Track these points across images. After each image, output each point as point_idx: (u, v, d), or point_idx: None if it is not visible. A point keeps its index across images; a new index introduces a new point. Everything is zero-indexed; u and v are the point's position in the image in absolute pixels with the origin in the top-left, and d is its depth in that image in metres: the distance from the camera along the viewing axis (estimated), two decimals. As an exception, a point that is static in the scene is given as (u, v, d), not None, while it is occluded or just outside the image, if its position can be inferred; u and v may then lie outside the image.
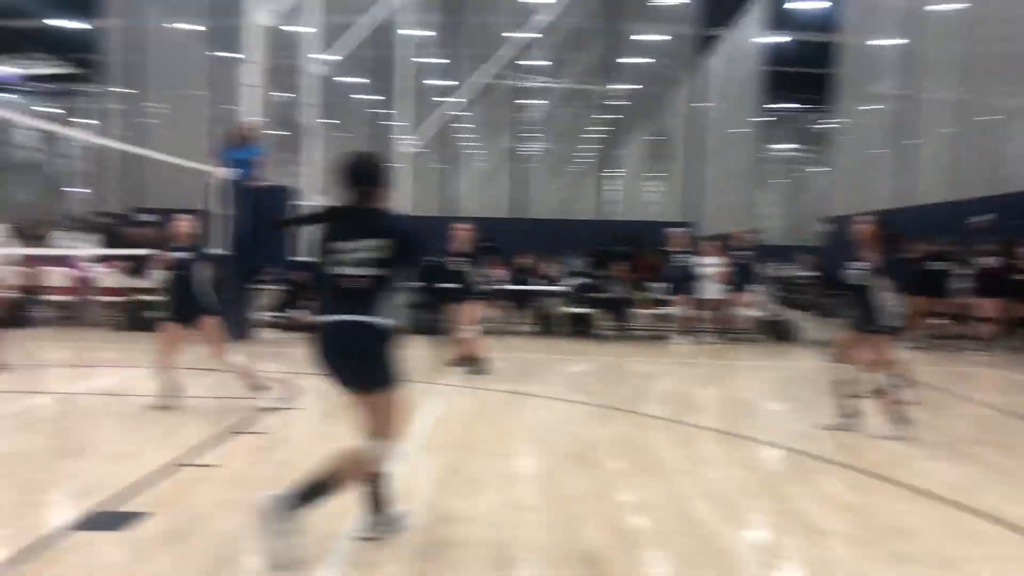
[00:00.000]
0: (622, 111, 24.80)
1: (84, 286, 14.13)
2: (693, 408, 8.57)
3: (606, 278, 14.60)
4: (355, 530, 4.27)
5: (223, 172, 12.20)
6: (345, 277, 3.71)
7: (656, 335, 14.31)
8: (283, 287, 14.85)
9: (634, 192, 26.45)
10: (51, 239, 14.92)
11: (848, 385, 7.14)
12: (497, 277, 14.33)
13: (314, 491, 3.78)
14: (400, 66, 21.10)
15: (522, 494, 5.21)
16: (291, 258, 13.55)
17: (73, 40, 31.39)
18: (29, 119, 38.89)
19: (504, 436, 6.97)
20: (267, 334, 13.39)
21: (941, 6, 18.84)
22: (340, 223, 3.80)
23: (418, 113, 22.76)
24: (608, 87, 23.34)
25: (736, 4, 25.25)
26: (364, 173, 3.84)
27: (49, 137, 38.59)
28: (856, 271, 6.79)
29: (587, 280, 14.60)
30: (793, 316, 15.20)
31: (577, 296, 14.29)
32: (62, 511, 4.75)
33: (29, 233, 16.34)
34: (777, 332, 14.16)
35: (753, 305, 14.25)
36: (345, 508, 4.23)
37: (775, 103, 28.45)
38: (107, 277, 13.90)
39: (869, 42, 20.76)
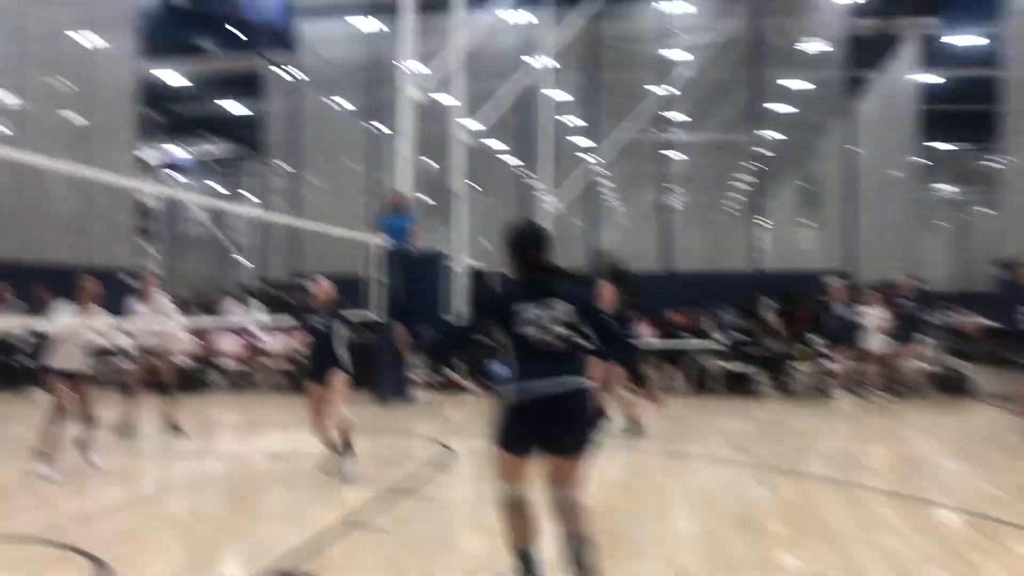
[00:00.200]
0: (769, 159, 24.27)
1: (253, 352, 14.90)
2: (861, 468, 8.12)
3: (761, 332, 14.16)
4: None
5: (379, 239, 12.68)
6: (541, 341, 3.71)
7: (817, 391, 13.71)
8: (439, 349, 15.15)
9: (785, 241, 25.69)
10: (222, 308, 15.85)
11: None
12: (646, 334, 14.15)
13: (583, 554, 3.83)
14: (543, 127, 21.49)
15: (683, 560, 5.05)
16: (446, 320, 13.85)
17: (238, 121, 33.74)
18: (199, 197, 41.81)
19: (663, 498, 6.80)
20: (423, 395, 13.67)
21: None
22: (524, 288, 3.82)
23: (561, 172, 23.04)
24: (754, 135, 22.93)
25: (885, 45, 24.43)
26: (536, 240, 3.90)
27: (217, 213, 41.31)
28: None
29: (741, 335, 14.19)
30: (965, 368, 14.23)
31: (732, 352, 13.89)
32: (234, 572, 4.94)
33: (201, 302, 17.43)
34: (948, 385, 13.31)
35: (921, 357, 13.46)
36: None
37: (934, 143, 27.14)
38: (274, 343, 14.62)
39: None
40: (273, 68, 26.09)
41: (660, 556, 5.12)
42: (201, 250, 42.69)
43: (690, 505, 6.53)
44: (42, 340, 8.89)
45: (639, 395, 9.36)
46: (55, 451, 7.38)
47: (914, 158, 23.62)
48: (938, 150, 28.29)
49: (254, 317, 14.54)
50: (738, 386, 13.80)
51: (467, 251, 16.41)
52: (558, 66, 21.82)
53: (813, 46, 23.48)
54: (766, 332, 14.07)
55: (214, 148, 37.71)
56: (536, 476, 3.92)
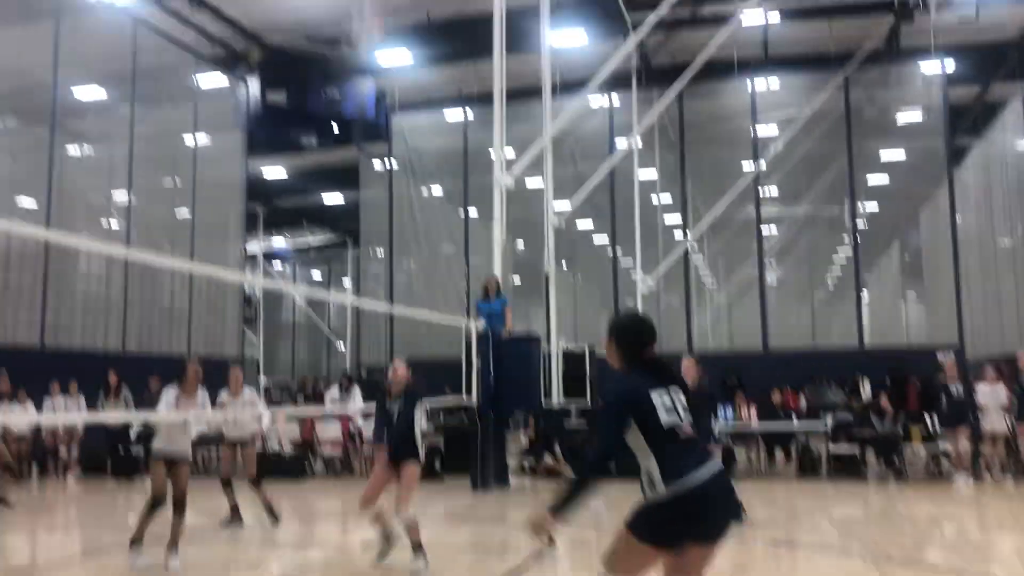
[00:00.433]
0: (868, 232, 23.72)
1: (353, 439, 15.07)
2: (987, 558, 7.63)
3: (869, 412, 13.63)
4: None
5: (474, 324, 12.81)
6: (680, 429, 3.62)
7: (934, 474, 13.04)
8: (535, 434, 15.10)
9: (889, 316, 24.88)
10: (324, 394, 16.15)
11: None
12: (747, 415, 13.79)
13: None
14: (633, 206, 21.55)
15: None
16: (545, 405, 13.80)
17: (335, 211, 34.94)
18: (299, 287, 43.15)
19: (778, 592, 6.50)
20: (518, 481, 13.54)
21: None
22: (648, 377, 3.75)
23: (653, 250, 22.97)
24: (850, 208, 22.48)
25: (985, 112, 23.84)
26: (652, 334, 3.85)
27: (316, 301, 42.48)
28: None
29: (848, 415, 13.68)
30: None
31: (839, 433, 13.37)
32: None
33: (304, 390, 17.80)
34: (1079, 466, 12.49)
35: (1045, 436, 12.70)
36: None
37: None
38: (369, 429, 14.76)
39: None
40: (368, 159, 27.02)
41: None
42: (301, 337, 43.91)
43: (808, 600, 6.23)
44: (148, 429, 9.14)
45: None
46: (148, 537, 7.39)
47: (1021, 226, 22.75)
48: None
49: (355, 404, 14.76)
50: (846, 469, 13.24)
51: (562, 333, 16.39)
52: (641, 146, 21.95)
53: (909, 116, 23.11)
54: (874, 412, 13.52)
55: (313, 237, 39.03)
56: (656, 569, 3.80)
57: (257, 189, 27.84)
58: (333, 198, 33.65)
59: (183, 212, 20.70)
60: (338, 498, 12.74)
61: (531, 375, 13.06)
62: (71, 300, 16.36)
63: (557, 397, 14.06)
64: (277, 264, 43.19)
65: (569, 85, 21.17)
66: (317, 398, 19.76)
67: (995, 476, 12.27)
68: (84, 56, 18.06)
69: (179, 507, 7.61)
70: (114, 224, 19.70)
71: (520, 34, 16.38)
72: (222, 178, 22.28)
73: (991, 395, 12.45)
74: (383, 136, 24.86)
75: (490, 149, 14.20)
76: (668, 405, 3.63)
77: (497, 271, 13.59)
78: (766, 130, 23.12)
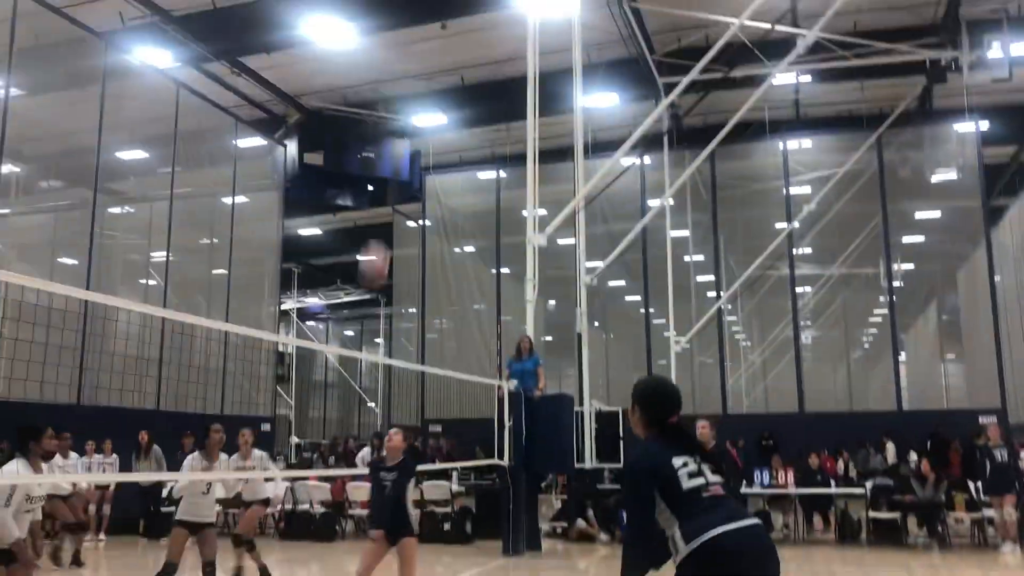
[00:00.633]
0: (904, 292, 23.46)
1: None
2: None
3: (909, 476, 13.30)
4: None
5: (506, 383, 12.75)
6: (704, 487, 3.54)
7: (978, 543, 12.65)
8: (568, 496, 14.90)
9: (926, 378, 24.46)
10: (354, 454, 16.09)
11: None
12: (784, 478, 13.52)
13: None
14: (665, 266, 21.54)
15: None
16: (577, 466, 13.64)
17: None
18: (332, 346, 43.33)
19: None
20: (550, 545, 13.33)
21: None
22: (671, 442, 3.69)
23: (687, 309, 22.85)
24: (886, 268, 22.27)
25: (1019, 171, 23.70)
26: (674, 398, 3.79)
27: (348, 358, 42.60)
28: None
29: (888, 480, 13.35)
30: None
31: (879, 498, 13.04)
32: None
33: (334, 450, 17.75)
34: None
35: (1095, 504, 12.30)
36: None
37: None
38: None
39: None
40: (402, 218, 27.34)
41: None
42: (333, 395, 44.01)
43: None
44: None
45: None
46: None
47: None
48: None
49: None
50: (887, 535, 12.89)
51: (594, 393, 16.28)
52: (673, 204, 21.98)
53: (944, 176, 22.98)
54: (915, 476, 13.19)
55: (346, 296, 39.34)
56: None
57: (292, 248, 28.24)
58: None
59: (220, 271, 21.00)
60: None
61: (563, 436, 12.92)
62: (109, 359, 16.55)
63: (590, 459, 13.90)
64: (311, 322, 43.52)
65: (601, 145, 21.39)
66: (348, 457, 19.68)
67: (1044, 545, 11.88)
68: (127, 119, 18.57)
69: (208, 573, 7.50)
70: (152, 282, 20.02)
71: (553, 96, 16.63)
72: (259, 237, 22.63)
73: (1036, 460, 12.11)
74: (417, 196, 25.18)
75: (523, 211, 14.30)
76: (692, 470, 3.55)
77: (529, 330, 13.57)
78: (799, 190, 23.10)
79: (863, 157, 21.76)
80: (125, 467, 13.87)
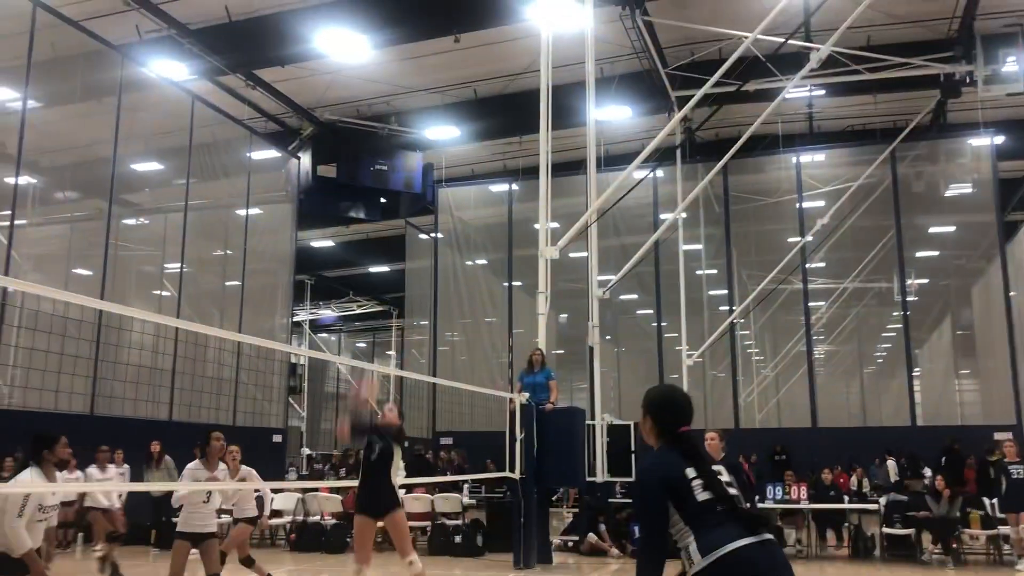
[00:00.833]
0: (918, 307, 23.32)
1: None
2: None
3: (923, 492, 13.18)
4: None
5: (518, 396, 12.73)
6: (716, 502, 3.50)
7: (994, 560, 12.52)
8: (580, 510, 14.84)
9: (940, 393, 24.27)
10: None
11: None
12: (797, 493, 13.42)
13: None
14: (677, 279, 21.49)
15: None
16: (589, 480, 13.58)
17: (381, 282, 35.35)
18: (344, 357, 43.37)
19: None
20: (561, 558, 13.27)
21: None
22: (682, 453, 3.64)
23: (699, 323, 22.78)
24: (900, 283, 22.16)
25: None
26: (686, 408, 3.74)
27: (360, 369, 42.59)
28: None
29: (901, 496, 13.24)
30: None
31: (893, 514, 12.93)
32: None
33: (346, 462, 17.72)
34: None
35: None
36: None
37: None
38: (414, 502, 14.62)
39: None
40: (413, 230, 27.41)
41: None
42: (345, 407, 44.03)
43: None
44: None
45: None
46: None
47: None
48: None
49: (397, 476, 14.66)
50: (900, 551, 12.77)
51: (606, 407, 16.24)
52: (684, 216, 21.92)
53: (958, 190, 22.89)
54: (929, 493, 13.08)
55: (358, 308, 39.41)
56: None
57: (306, 260, 28.35)
58: (379, 269, 34.10)
59: (233, 282, 21.08)
60: (377, 573, 12.57)
61: (575, 449, 12.88)
62: (123, 369, 16.62)
63: (601, 472, 13.84)
64: (323, 334, 43.61)
65: (614, 158, 21.43)
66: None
67: (1060, 563, 11.74)
68: (143, 131, 18.72)
69: None
70: (166, 294, 20.11)
71: (565, 109, 16.66)
72: (272, 249, 22.73)
73: (1053, 477, 11.97)
74: (429, 208, 25.25)
75: (536, 224, 14.31)
76: (704, 482, 3.51)
77: (541, 343, 13.55)
78: (812, 204, 23.04)
79: (877, 171, 21.69)
80: (136, 477, 13.89)
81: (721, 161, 18.34)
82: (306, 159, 22.54)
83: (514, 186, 25.04)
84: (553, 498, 14.74)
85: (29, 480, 5.43)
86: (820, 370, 24.29)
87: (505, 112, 20.80)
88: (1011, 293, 20.64)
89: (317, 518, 14.78)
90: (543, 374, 13.08)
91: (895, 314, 23.30)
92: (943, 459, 16.37)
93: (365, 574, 6.98)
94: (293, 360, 29.02)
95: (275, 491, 15.50)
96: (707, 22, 17.18)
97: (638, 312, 26.21)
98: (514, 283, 25.03)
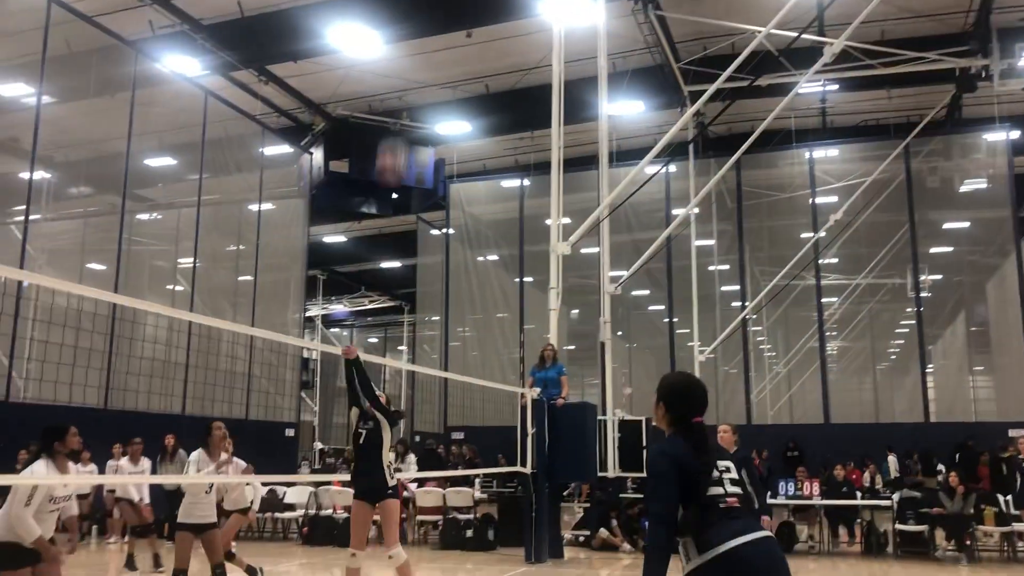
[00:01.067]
0: (932, 303, 23.19)
1: (404, 506, 14.95)
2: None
3: (937, 489, 13.12)
4: None
5: (529, 391, 12.73)
6: (723, 497, 3.47)
7: (1008, 557, 12.45)
8: (591, 504, 14.83)
9: (954, 389, 24.13)
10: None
11: None
12: (809, 489, 13.37)
13: None
14: (692, 275, 21.44)
15: None
16: (600, 475, 13.57)
17: (393, 277, 35.41)
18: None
19: None
20: (572, 553, 13.27)
21: None
22: (695, 446, 3.61)
23: (711, 319, 22.74)
24: (913, 278, 22.05)
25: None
26: (700, 398, 3.69)
27: (371, 364, 42.68)
28: None
29: (914, 492, 13.18)
30: None
31: (906, 510, 12.86)
32: None
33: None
34: None
35: None
36: None
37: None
38: (425, 496, 14.66)
39: None
40: (425, 225, 27.45)
41: None
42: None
43: None
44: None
45: None
46: None
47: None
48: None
49: (409, 470, 14.70)
50: (913, 548, 12.72)
51: (617, 402, 16.22)
52: (697, 212, 21.85)
53: (973, 185, 22.75)
54: (943, 489, 13.01)
55: (370, 303, 39.48)
56: None
57: (318, 255, 28.41)
58: (391, 264, 34.15)
59: (246, 277, 21.16)
60: (389, 568, 12.61)
61: (586, 445, 12.88)
62: (136, 362, 16.71)
63: (613, 468, 13.83)
64: (335, 328, 43.71)
65: (626, 153, 21.38)
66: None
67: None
68: (156, 126, 18.81)
69: (216, 575, 7.38)
70: (179, 288, 20.21)
71: (577, 104, 16.64)
72: (284, 244, 22.80)
73: (1068, 474, 11.91)
74: (441, 204, 25.26)
75: (547, 220, 14.29)
76: (714, 476, 3.48)
77: (553, 338, 13.55)
78: (825, 199, 22.95)
79: (890, 166, 21.56)
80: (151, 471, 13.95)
81: (734, 156, 18.28)
82: (318, 154, 22.58)
83: (526, 181, 25.02)
84: (564, 493, 14.74)
85: (38, 471, 5.46)
86: (833, 366, 24.20)
87: (517, 107, 20.79)
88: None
89: (329, 512, 14.83)
90: (555, 369, 13.07)
91: (909, 310, 23.20)
92: (957, 455, 16.29)
93: (359, 559, 6.98)
94: (305, 355, 29.10)
95: (287, 485, 15.61)
96: (720, 16, 17.11)
97: (650, 308, 26.17)
98: (526, 279, 25.03)
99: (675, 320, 23.82)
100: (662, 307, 24.60)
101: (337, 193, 23.21)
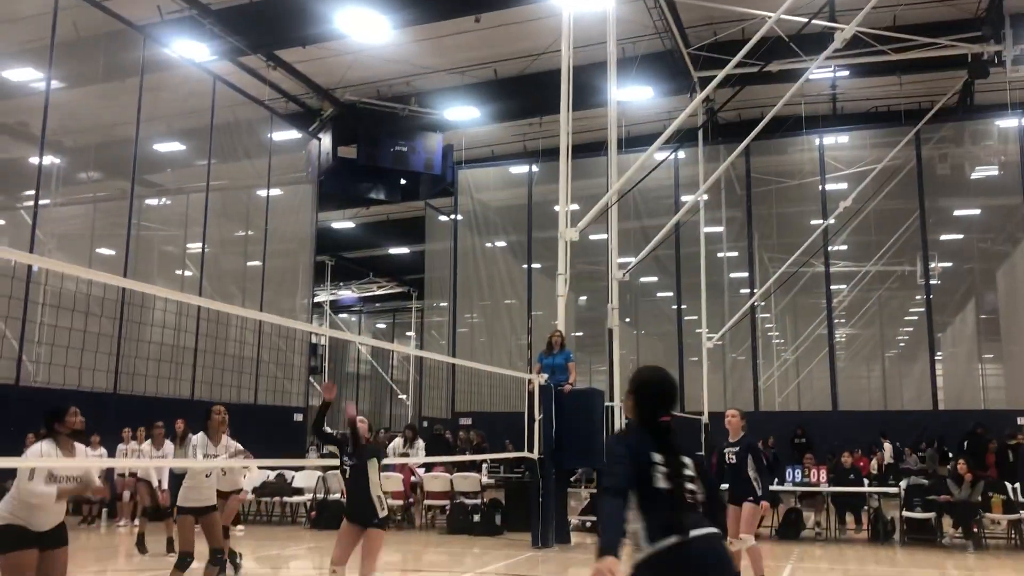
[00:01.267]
0: (941, 290, 23.11)
1: (412, 490, 15.01)
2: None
3: (945, 477, 13.10)
4: None
5: (537, 377, 12.75)
6: (674, 491, 3.52)
7: (1015, 544, 12.44)
8: (597, 490, 14.84)
9: (963, 377, 24.09)
10: (386, 445, 16.14)
11: None
12: (816, 476, 13.38)
13: None
14: (700, 262, 21.38)
15: None
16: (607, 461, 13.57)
17: (401, 263, 35.42)
18: (364, 338, 43.58)
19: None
20: (579, 538, 13.31)
21: None
22: (654, 438, 3.66)
23: (719, 306, 22.70)
24: (923, 266, 21.97)
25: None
26: (670, 397, 3.75)
27: (379, 350, 42.84)
28: None
29: (922, 479, 13.17)
30: None
31: (914, 497, 12.85)
32: None
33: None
34: None
35: None
36: None
37: None
38: (433, 481, 14.71)
39: None
40: (433, 211, 27.44)
41: None
42: (365, 387, 44.29)
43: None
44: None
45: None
46: None
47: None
48: None
49: (417, 455, 14.75)
50: (920, 535, 12.71)
51: (625, 388, 16.20)
52: (706, 198, 21.77)
53: (984, 172, 22.61)
54: (951, 476, 13.00)
55: (378, 289, 39.53)
56: None
57: (326, 240, 28.43)
58: (399, 250, 34.16)
59: (255, 262, 21.20)
60: (396, 551, 12.68)
61: (593, 431, 12.89)
62: (145, 347, 16.79)
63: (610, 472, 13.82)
64: (343, 314, 43.80)
65: (635, 139, 21.30)
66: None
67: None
68: (165, 112, 18.82)
69: (215, 558, 7.37)
70: (188, 273, 20.27)
71: (586, 90, 16.57)
72: (293, 230, 22.83)
73: (1077, 462, 11.88)
74: (449, 190, 25.24)
75: (555, 206, 14.26)
76: (667, 471, 3.53)
77: (561, 325, 13.54)
78: (835, 186, 22.85)
79: (901, 153, 21.45)
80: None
81: (743, 142, 18.19)
82: (327, 140, 22.57)
83: (534, 167, 24.98)
84: (571, 479, 14.76)
85: (33, 452, 5.48)
86: (841, 353, 24.15)
87: (525, 93, 20.72)
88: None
89: (337, 496, 14.89)
90: (562, 356, 13.08)
91: (918, 298, 23.12)
92: (965, 443, 16.27)
93: (341, 573, 7.00)
94: (314, 340, 29.17)
95: (296, 469, 15.69)
96: (730, 1, 17.00)
97: (658, 294, 26.13)
98: (534, 265, 25.02)
99: (683, 307, 23.79)
100: (670, 294, 24.57)
101: (345, 179, 23.21)
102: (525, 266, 25.21)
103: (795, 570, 10.50)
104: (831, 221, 21.71)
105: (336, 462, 7.21)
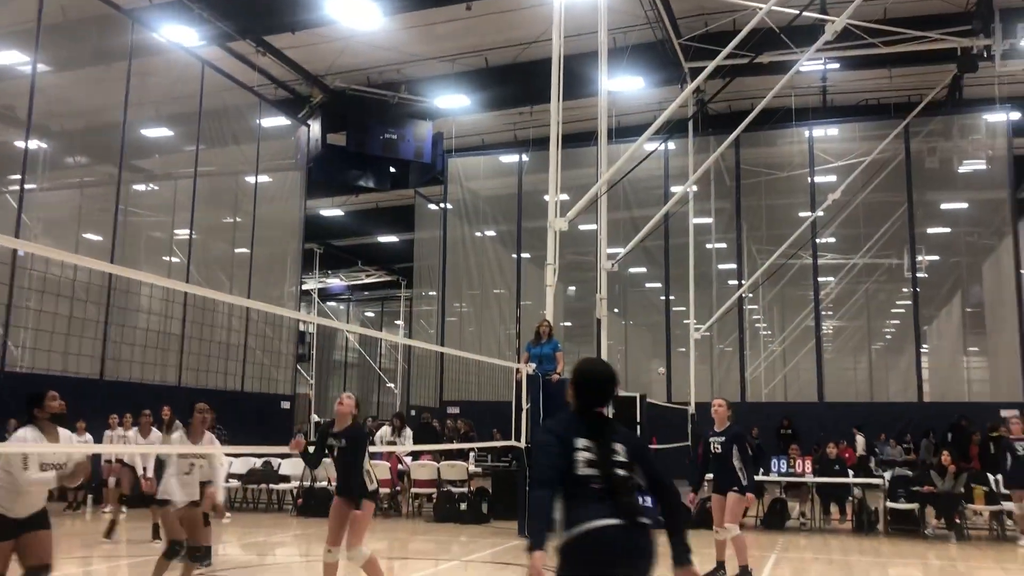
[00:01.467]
0: (928, 283, 23.23)
1: (399, 478, 15.03)
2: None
3: (928, 468, 13.19)
4: None
5: (525, 367, 12.75)
6: (591, 480, 3.52)
7: (996, 535, 12.56)
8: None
9: (948, 370, 24.26)
10: (373, 434, 16.13)
11: None
12: (802, 467, 13.46)
13: None
14: (689, 253, 21.41)
15: None
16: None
17: (390, 251, 35.35)
18: (352, 326, 43.49)
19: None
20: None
21: None
22: (582, 423, 3.68)
23: (707, 297, 22.76)
24: (910, 259, 22.07)
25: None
26: (603, 394, 3.77)
27: (367, 338, 42.80)
28: None
29: (906, 470, 13.26)
30: None
31: (897, 489, 12.95)
32: None
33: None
34: None
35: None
36: None
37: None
38: (420, 469, 14.72)
39: None
40: (422, 200, 27.38)
41: None
42: (353, 375, 44.28)
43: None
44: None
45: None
46: None
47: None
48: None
49: (405, 444, 14.75)
50: (904, 525, 12.82)
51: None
52: (695, 189, 21.79)
53: (972, 166, 22.70)
54: (935, 468, 13.09)
55: (367, 277, 39.46)
56: None
57: (314, 228, 28.33)
58: (388, 238, 34.08)
59: (242, 249, 21.12)
60: (383, 539, 12.70)
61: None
62: (131, 333, 16.72)
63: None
64: (332, 302, 43.71)
65: (625, 130, 21.29)
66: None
67: (1063, 540, 11.77)
68: (153, 97, 18.69)
69: (193, 553, 7.35)
70: (175, 260, 20.19)
71: (577, 79, 16.52)
72: (281, 217, 22.74)
73: (1059, 455, 11.96)
74: (439, 178, 25.18)
75: (545, 196, 14.24)
76: (591, 458, 3.54)
77: (549, 314, 13.54)
78: (824, 178, 22.91)
79: (890, 146, 21.52)
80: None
81: (733, 134, 18.20)
82: (316, 127, 22.47)
83: (524, 157, 24.94)
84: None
85: (19, 437, 5.44)
86: (828, 345, 24.27)
87: (516, 81, 20.66)
88: (1022, 271, 20.53)
89: (324, 484, 14.89)
90: (550, 345, 13.08)
91: (905, 290, 23.24)
92: (949, 435, 16.39)
93: (336, 554, 7.02)
94: (302, 328, 29.13)
95: (282, 456, 15.66)
96: (721, -8, 16.97)
97: (646, 285, 26.18)
98: (523, 255, 25.02)
99: (671, 298, 23.84)
100: (659, 284, 24.62)
101: (334, 166, 23.12)
102: (514, 255, 25.21)
103: (780, 560, 10.57)
104: (819, 213, 21.78)
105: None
